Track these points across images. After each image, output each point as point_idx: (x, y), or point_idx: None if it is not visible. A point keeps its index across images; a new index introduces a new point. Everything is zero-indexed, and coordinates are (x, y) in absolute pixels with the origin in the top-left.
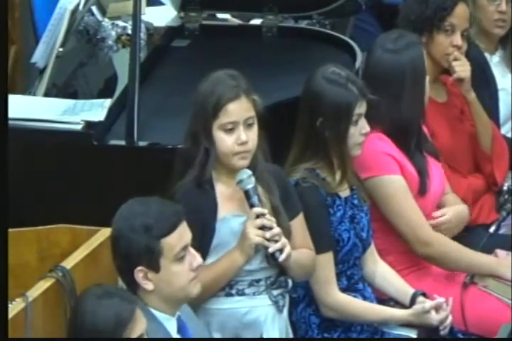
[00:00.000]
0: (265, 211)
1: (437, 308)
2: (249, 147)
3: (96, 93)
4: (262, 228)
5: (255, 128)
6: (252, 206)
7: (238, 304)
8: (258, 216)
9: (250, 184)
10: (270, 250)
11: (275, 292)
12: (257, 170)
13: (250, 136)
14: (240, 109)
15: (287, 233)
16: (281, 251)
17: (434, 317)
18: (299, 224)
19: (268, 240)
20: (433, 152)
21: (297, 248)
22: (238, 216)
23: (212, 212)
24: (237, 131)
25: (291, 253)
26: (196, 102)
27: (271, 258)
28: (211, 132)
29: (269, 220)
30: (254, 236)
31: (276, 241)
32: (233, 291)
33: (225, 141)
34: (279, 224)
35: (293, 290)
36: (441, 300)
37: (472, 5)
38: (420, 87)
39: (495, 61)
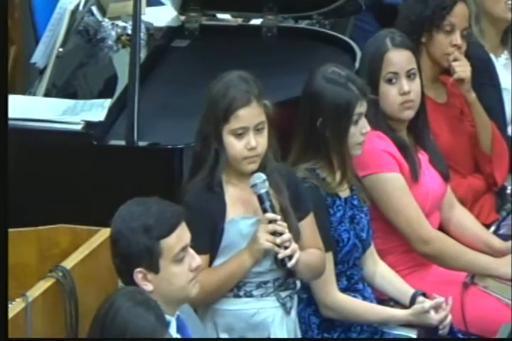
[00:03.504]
0: (278, 217)
1: (437, 308)
2: (258, 152)
3: (96, 93)
4: (274, 233)
5: (265, 132)
6: (264, 211)
7: (246, 305)
8: (270, 221)
9: (264, 188)
10: (280, 256)
11: (283, 294)
12: (267, 170)
13: (260, 141)
14: (250, 115)
15: (296, 234)
16: (290, 257)
17: (434, 317)
18: (308, 225)
19: (278, 246)
20: (443, 172)
21: (306, 248)
22: (247, 218)
23: (221, 214)
24: (246, 136)
25: (301, 256)
26: (208, 105)
27: (280, 263)
28: (221, 136)
29: (281, 226)
30: (265, 241)
31: (286, 248)
32: (241, 293)
33: (235, 146)
34: (288, 226)
35: (302, 291)
36: (440, 299)
37: (475, 4)
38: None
39: (501, 63)
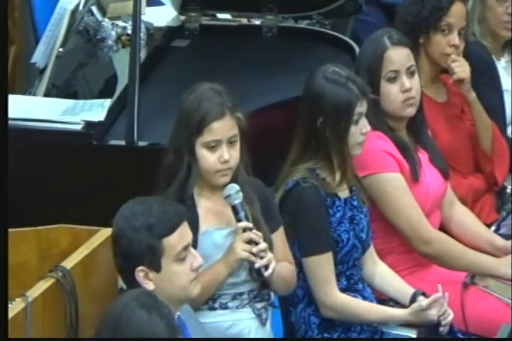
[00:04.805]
0: (251, 225)
1: (435, 304)
2: (231, 165)
3: (96, 93)
4: (249, 242)
5: (238, 145)
6: (239, 221)
7: (221, 318)
8: (245, 230)
9: (238, 199)
10: (256, 266)
11: (258, 305)
12: (238, 183)
13: (232, 154)
14: (223, 128)
15: (269, 245)
16: (266, 267)
17: (433, 313)
18: (279, 238)
19: (254, 255)
20: (443, 169)
21: (278, 261)
22: (221, 229)
23: (194, 226)
24: (219, 149)
25: (275, 267)
26: (180, 117)
27: (256, 273)
28: (194, 148)
29: (256, 234)
30: (241, 250)
31: (262, 258)
32: (216, 305)
33: (208, 159)
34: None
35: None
36: (437, 295)
37: (480, 5)
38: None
39: (501, 66)
